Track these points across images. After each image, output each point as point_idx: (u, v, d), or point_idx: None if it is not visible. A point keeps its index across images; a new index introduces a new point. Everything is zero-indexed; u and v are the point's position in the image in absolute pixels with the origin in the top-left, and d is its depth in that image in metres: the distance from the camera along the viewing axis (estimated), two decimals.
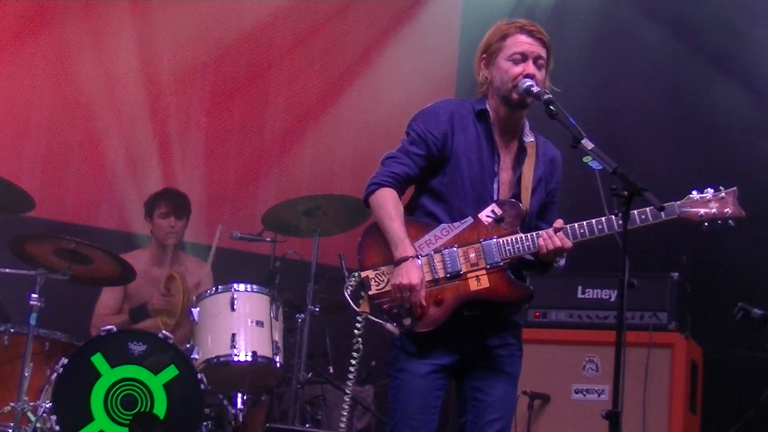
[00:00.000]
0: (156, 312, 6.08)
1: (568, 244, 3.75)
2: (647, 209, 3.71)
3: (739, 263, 6.79)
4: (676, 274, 6.08)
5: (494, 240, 3.79)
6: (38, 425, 5.21)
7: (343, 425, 3.95)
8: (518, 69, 3.82)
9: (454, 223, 3.82)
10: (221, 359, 5.68)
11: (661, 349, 5.89)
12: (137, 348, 5.38)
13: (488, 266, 3.77)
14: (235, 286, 5.86)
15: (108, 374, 5.32)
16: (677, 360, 5.91)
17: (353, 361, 3.87)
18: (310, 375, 6.15)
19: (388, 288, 3.75)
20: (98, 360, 5.32)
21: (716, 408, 6.46)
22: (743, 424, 5.89)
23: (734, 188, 3.83)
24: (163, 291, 6.12)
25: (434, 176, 3.87)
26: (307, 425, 6.27)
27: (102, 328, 5.49)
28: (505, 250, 3.78)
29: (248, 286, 5.88)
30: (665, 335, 5.94)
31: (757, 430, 5.87)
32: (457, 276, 3.77)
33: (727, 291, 6.37)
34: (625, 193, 3.47)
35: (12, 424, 5.16)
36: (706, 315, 6.41)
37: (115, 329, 5.48)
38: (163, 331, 5.59)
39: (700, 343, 6.26)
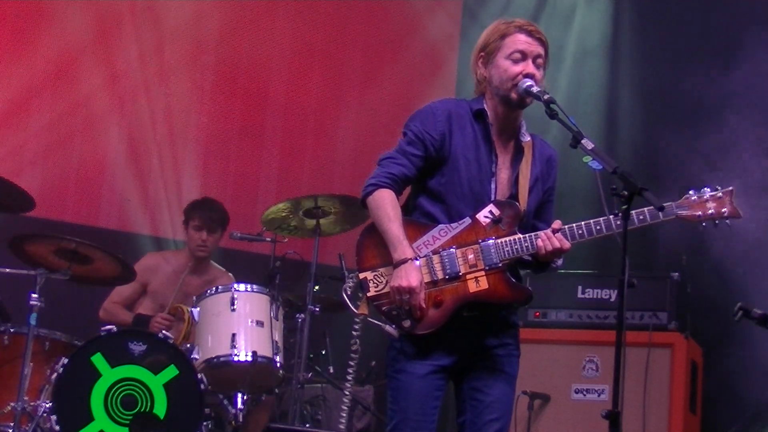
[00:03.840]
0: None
1: (567, 245, 3.75)
2: (645, 210, 3.72)
3: (739, 263, 6.79)
4: (676, 274, 6.08)
5: (492, 241, 3.78)
6: (38, 425, 5.21)
7: (342, 426, 3.95)
8: (518, 68, 3.81)
9: (452, 224, 3.81)
10: (221, 359, 5.68)
11: (661, 349, 5.89)
12: (137, 348, 5.39)
13: (487, 267, 3.76)
14: (235, 286, 5.87)
15: (108, 374, 5.32)
16: (677, 360, 5.91)
17: (351, 362, 3.87)
18: (310, 375, 6.15)
19: (386, 290, 3.73)
20: (98, 360, 5.32)
21: (716, 408, 6.46)
22: (743, 424, 5.89)
23: (731, 188, 3.86)
24: (166, 316, 6.13)
25: (432, 177, 3.85)
26: (307, 425, 6.27)
27: (102, 328, 5.49)
28: (504, 252, 3.77)
29: (248, 286, 5.88)
30: (665, 335, 5.94)
31: (757, 430, 5.87)
32: (455, 277, 3.76)
33: (727, 291, 6.37)
34: (625, 192, 3.47)
35: (12, 424, 5.16)
36: (706, 315, 6.41)
37: (114, 329, 5.49)
38: (163, 331, 5.59)
39: (700, 343, 6.26)
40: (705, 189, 3.84)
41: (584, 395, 5.97)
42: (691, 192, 3.85)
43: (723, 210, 3.81)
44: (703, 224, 3.82)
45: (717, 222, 3.82)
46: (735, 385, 6.63)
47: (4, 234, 5.64)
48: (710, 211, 3.81)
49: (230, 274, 6.60)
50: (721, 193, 3.84)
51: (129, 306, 6.43)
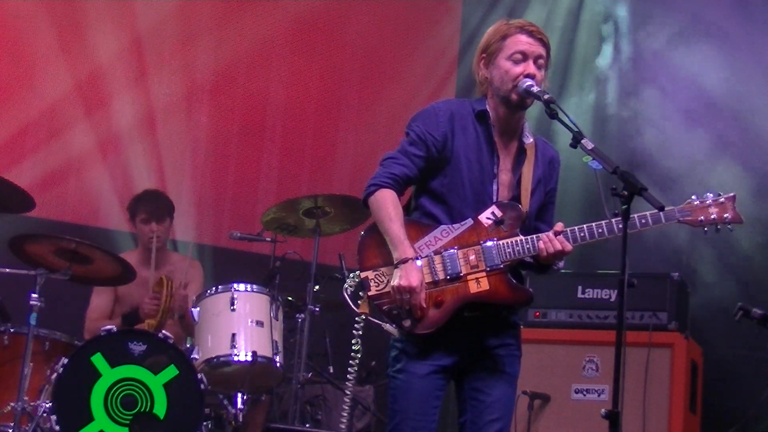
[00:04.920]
0: (146, 315, 6.05)
1: (569, 247, 3.75)
2: (647, 213, 3.74)
3: (738, 263, 6.80)
4: (676, 274, 6.08)
5: (494, 242, 3.79)
6: (38, 425, 5.21)
7: (343, 426, 3.95)
8: (519, 69, 3.82)
9: (453, 225, 3.81)
10: (221, 359, 5.68)
11: (661, 349, 5.88)
12: (137, 348, 5.38)
13: (488, 268, 3.77)
14: (235, 286, 5.85)
15: (108, 374, 5.32)
16: (677, 360, 5.91)
17: (353, 362, 3.88)
18: (310, 375, 6.15)
19: (387, 289, 3.74)
20: (98, 360, 5.32)
21: (716, 408, 6.46)
22: (743, 424, 5.89)
23: (733, 194, 3.87)
24: (153, 295, 6.10)
25: (434, 177, 3.86)
26: (307, 425, 6.27)
27: (102, 329, 5.48)
28: (505, 253, 3.78)
29: (248, 286, 5.88)
30: (665, 335, 5.93)
31: (757, 430, 5.87)
32: (456, 278, 3.76)
33: (727, 291, 6.37)
34: (626, 192, 3.47)
35: (12, 424, 5.16)
36: (706, 315, 6.40)
37: (115, 329, 5.49)
38: (163, 331, 5.59)
39: (700, 343, 6.26)
40: (707, 194, 3.86)
41: (584, 395, 5.96)
42: (693, 197, 3.86)
43: (725, 215, 3.84)
44: (705, 229, 3.84)
45: (719, 227, 3.84)
46: (735, 385, 6.63)
47: (4, 234, 5.64)
48: (712, 216, 3.83)
49: (196, 260, 6.55)
50: (723, 199, 3.86)
51: (109, 316, 6.38)
